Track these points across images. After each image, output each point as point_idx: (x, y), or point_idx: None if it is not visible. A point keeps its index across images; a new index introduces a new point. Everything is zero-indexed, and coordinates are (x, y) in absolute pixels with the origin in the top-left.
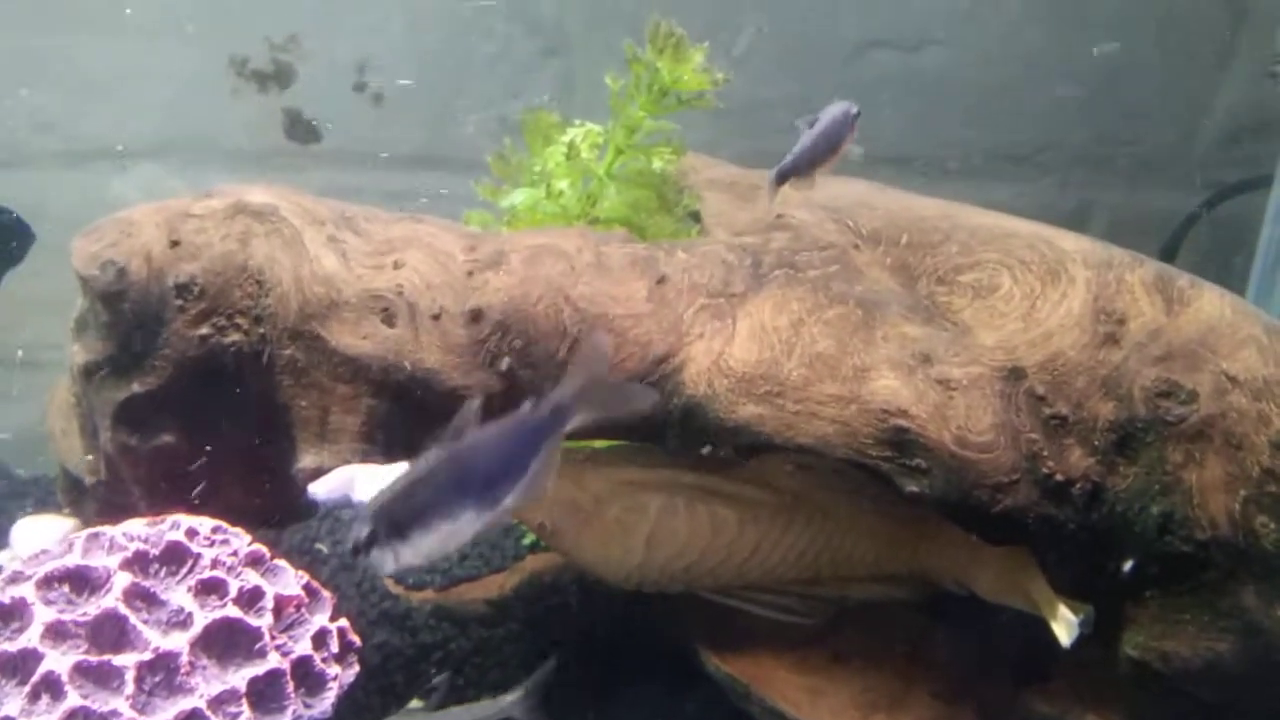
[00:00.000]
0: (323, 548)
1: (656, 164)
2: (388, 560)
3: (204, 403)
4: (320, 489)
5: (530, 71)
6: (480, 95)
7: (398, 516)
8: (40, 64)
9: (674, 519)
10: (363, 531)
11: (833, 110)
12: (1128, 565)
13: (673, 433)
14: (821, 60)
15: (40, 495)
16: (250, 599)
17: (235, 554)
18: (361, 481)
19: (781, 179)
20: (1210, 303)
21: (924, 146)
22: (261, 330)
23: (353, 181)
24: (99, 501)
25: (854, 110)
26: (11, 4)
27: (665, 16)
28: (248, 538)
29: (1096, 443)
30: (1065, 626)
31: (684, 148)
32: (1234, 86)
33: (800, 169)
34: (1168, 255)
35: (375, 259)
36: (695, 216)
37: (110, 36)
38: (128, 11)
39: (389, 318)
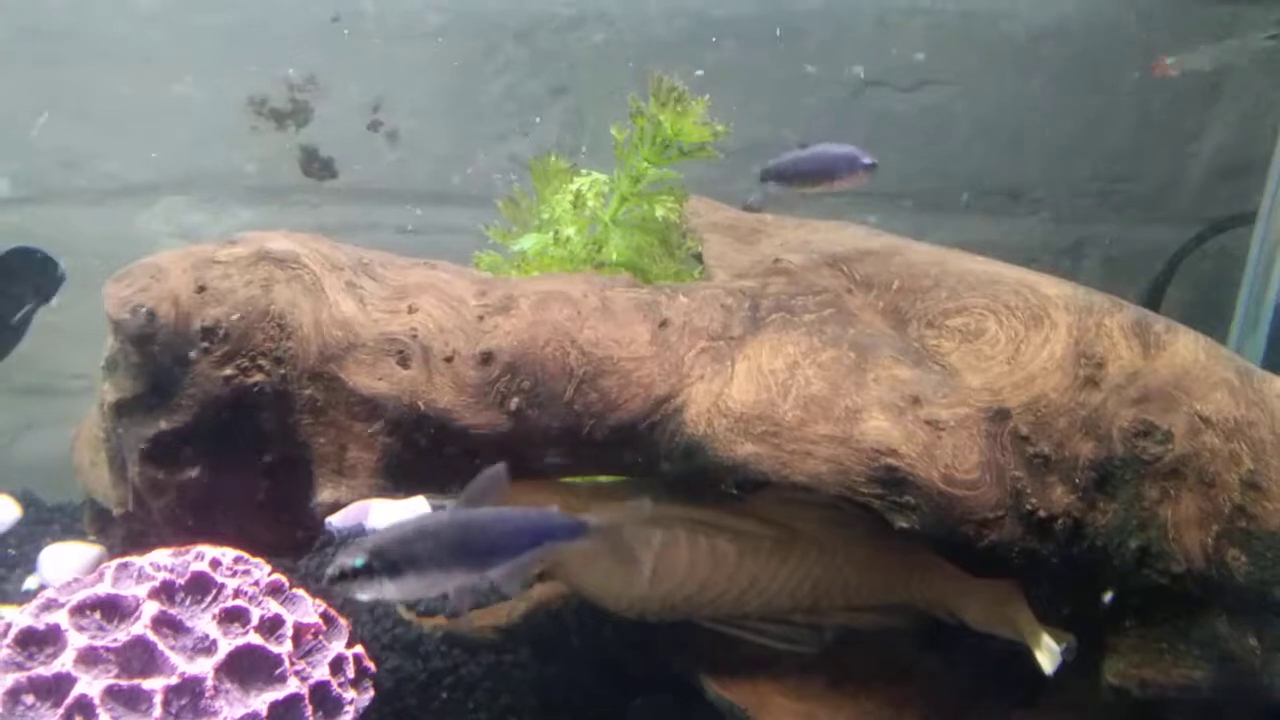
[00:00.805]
0: None
1: (659, 212)
2: (369, 592)
3: (228, 439)
4: (336, 517)
5: (539, 109)
6: (491, 132)
7: (395, 557)
8: (65, 103)
9: (676, 552)
10: (353, 562)
11: (843, 147)
12: (1108, 596)
13: (674, 469)
14: (822, 100)
15: (66, 522)
16: (271, 626)
17: (257, 584)
18: (376, 511)
19: (764, 177)
20: (1185, 346)
21: (924, 183)
22: (283, 371)
23: (368, 216)
24: (126, 531)
25: (866, 160)
26: (37, 44)
27: (667, 69)
28: (268, 568)
29: (1077, 480)
30: (1048, 655)
31: (686, 194)
32: (1219, 128)
33: (783, 175)
34: (1157, 291)
35: (391, 304)
36: (698, 258)
37: (133, 76)
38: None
39: (404, 359)
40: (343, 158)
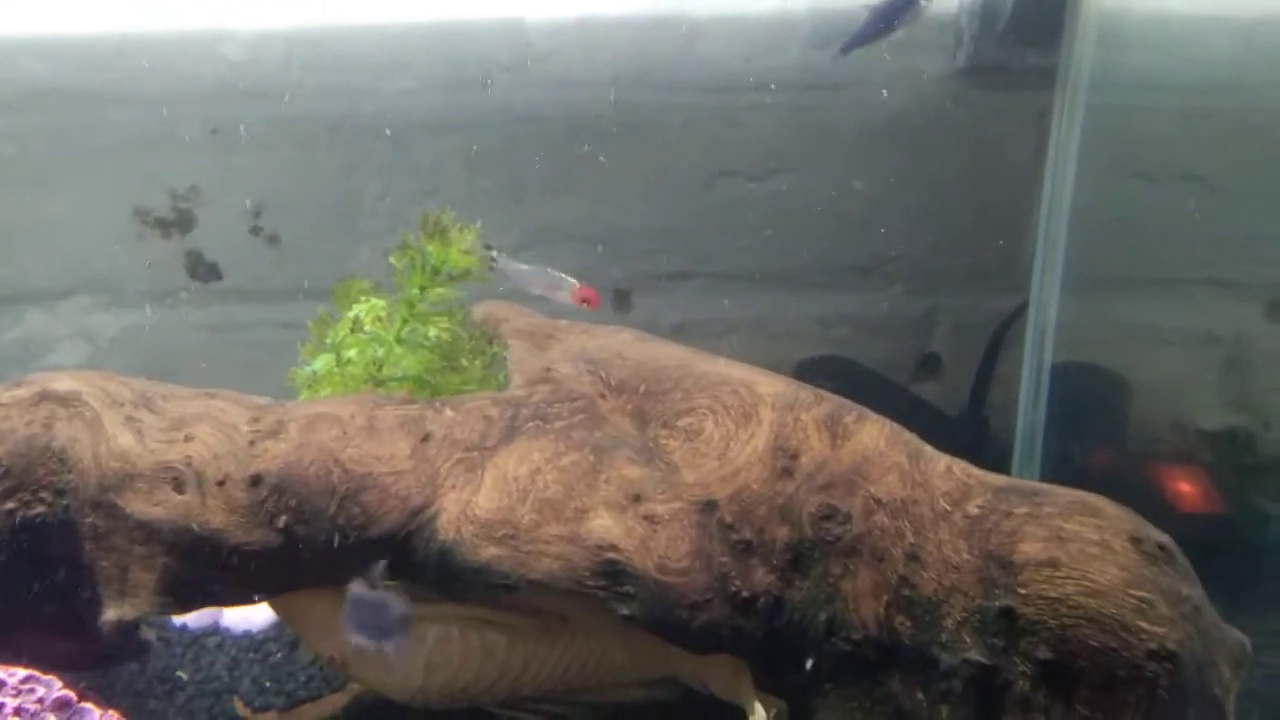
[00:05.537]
0: (183, 675)
1: (433, 332)
2: None
3: (16, 567)
4: (191, 618)
5: (413, 208)
6: (367, 232)
7: None
8: None
9: (449, 645)
10: None
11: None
12: (808, 664)
13: (431, 573)
14: (680, 190)
15: None
16: None
17: (40, 701)
18: (228, 612)
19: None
20: (869, 435)
21: (779, 263)
22: (65, 502)
23: (252, 315)
24: None
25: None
26: None
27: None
28: (58, 684)
29: (775, 562)
30: None
31: (463, 316)
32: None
33: (864, 40)
34: (991, 354)
35: (168, 434)
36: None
37: (21, 194)
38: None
39: (179, 486)
40: (227, 261)
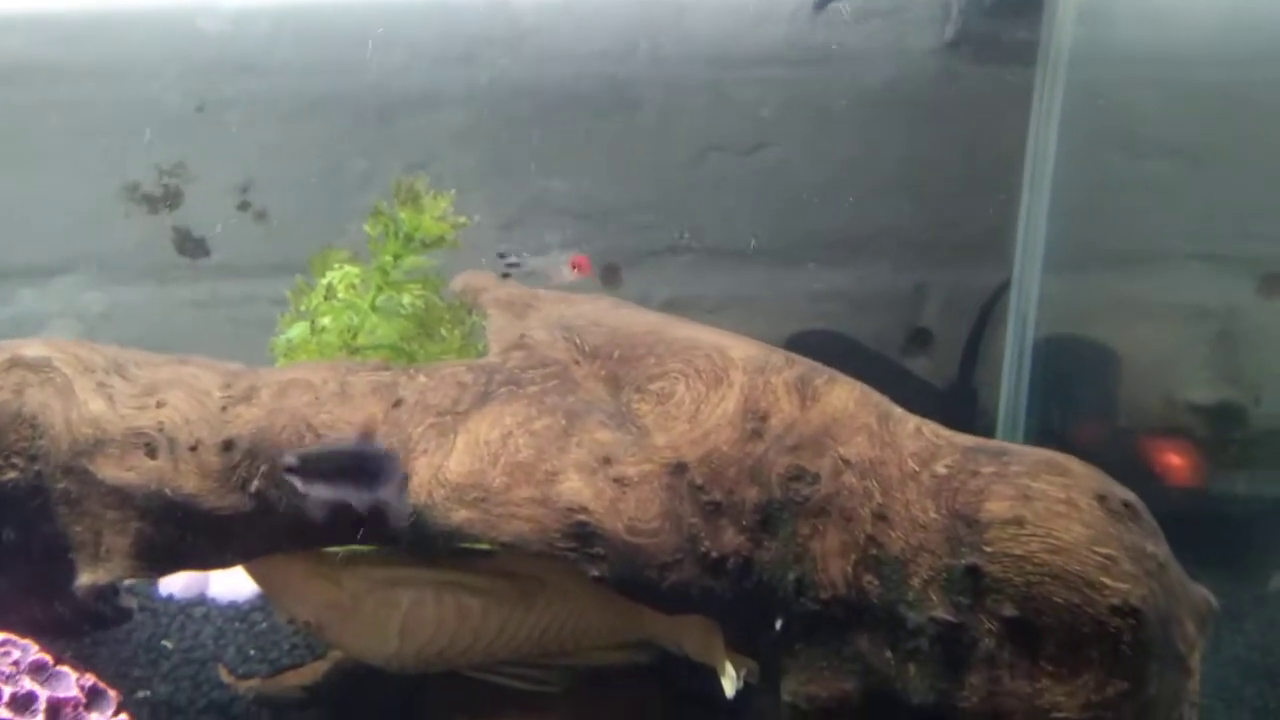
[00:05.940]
0: (169, 644)
1: (406, 299)
2: None
3: None
4: (175, 586)
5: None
6: (355, 208)
7: None
8: None
9: (423, 610)
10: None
11: None
12: (778, 624)
13: (405, 536)
14: (667, 165)
15: None
16: (24, 703)
17: (16, 664)
18: (215, 583)
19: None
20: (838, 397)
21: (769, 238)
22: (37, 468)
23: (241, 290)
24: None
25: None
26: None
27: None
28: (34, 648)
29: (745, 522)
30: (728, 680)
31: (438, 284)
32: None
33: None
34: (979, 328)
35: (140, 400)
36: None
37: (6, 168)
38: None
39: (151, 451)
40: (215, 236)
